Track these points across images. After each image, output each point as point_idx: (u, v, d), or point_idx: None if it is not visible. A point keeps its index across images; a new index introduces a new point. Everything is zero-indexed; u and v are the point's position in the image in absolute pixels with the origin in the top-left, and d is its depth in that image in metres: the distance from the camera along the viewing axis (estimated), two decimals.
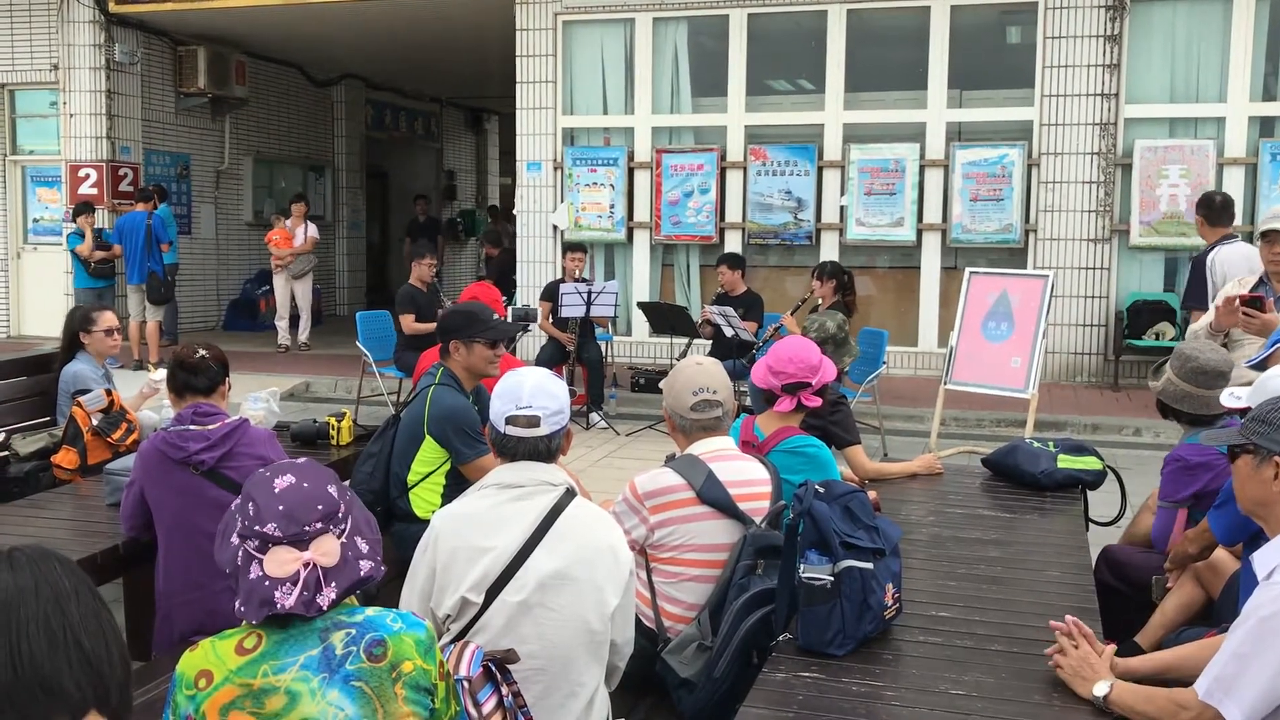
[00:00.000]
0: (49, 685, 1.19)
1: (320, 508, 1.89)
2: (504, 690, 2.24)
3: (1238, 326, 4.54)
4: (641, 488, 3.07)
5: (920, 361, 10.80)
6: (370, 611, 1.94)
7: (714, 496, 3.03)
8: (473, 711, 2.15)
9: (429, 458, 3.99)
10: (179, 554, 3.38)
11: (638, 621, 2.79)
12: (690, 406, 3.18)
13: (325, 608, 1.84)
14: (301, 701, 1.79)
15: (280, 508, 1.87)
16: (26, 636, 1.20)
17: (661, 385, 3.38)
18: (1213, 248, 5.99)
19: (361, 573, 1.90)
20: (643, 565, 3.06)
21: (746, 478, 3.14)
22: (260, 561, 1.86)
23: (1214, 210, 6.16)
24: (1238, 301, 4.47)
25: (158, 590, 3.47)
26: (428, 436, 3.96)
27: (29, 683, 1.18)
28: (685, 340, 9.29)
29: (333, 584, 1.86)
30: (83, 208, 11.72)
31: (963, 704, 2.36)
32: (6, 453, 4.59)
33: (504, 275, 12.97)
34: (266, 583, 1.83)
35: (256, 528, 1.87)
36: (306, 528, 1.87)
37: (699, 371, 3.23)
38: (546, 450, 2.60)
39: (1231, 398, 3.33)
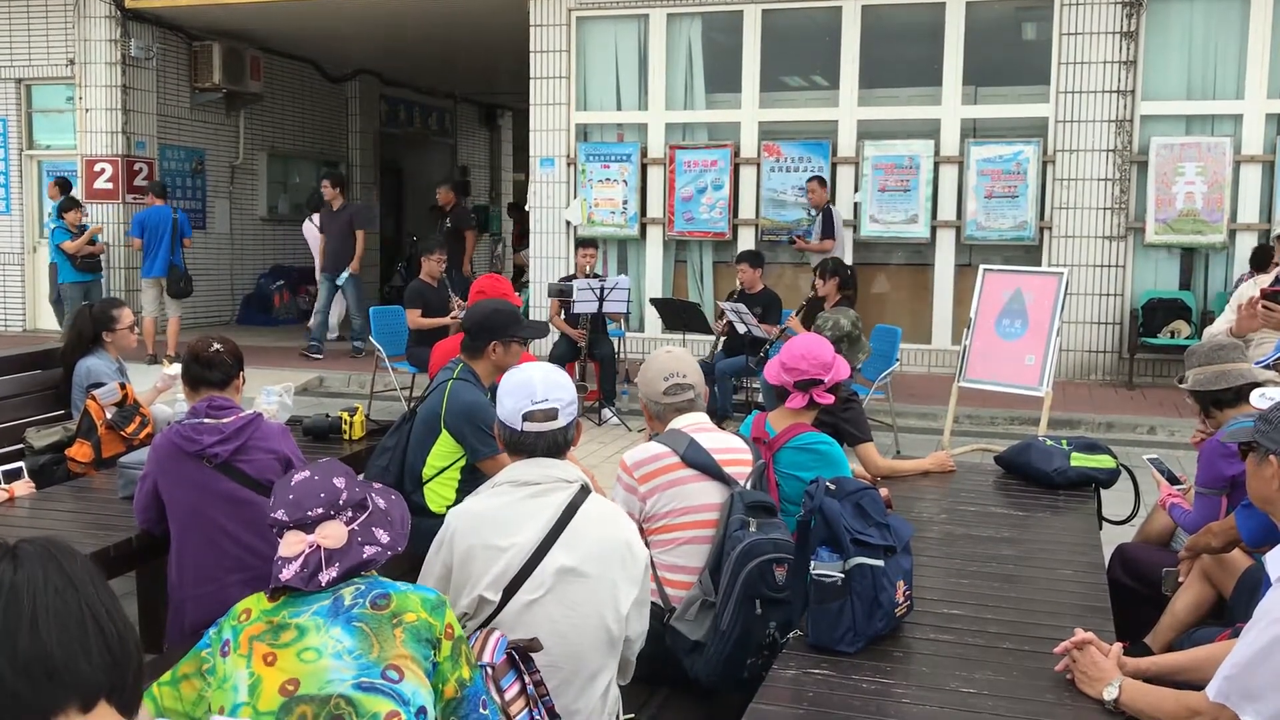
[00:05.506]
0: (56, 673, 1.20)
1: (322, 495, 2.12)
2: (526, 679, 2.32)
3: (1260, 329, 4.53)
4: (629, 460, 3.20)
5: (934, 359, 10.77)
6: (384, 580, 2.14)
7: (698, 460, 3.16)
8: (496, 697, 2.23)
9: (444, 452, 3.97)
10: (192, 547, 3.40)
11: None
12: (663, 391, 3.35)
13: (324, 585, 2.05)
14: (308, 634, 2.02)
15: (290, 497, 2.13)
16: (35, 624, 1.20)
17: (634, 379, 3.50)
18: (829, 203, 10.30)
19: (364, 556, 2.10)
20: None
21: (727, 445, 3.28)
22: (280, 543, 2.11)
23: (825, 184, 10.34)
24: (1259, 298, 4.45)
25: (170, 583, 3.49)
26: (444, 431, 3.96)
27: (34, 672, 1.19)
28: (698, 336, 9.28)
29: (335, 564, 2.07)
30: (70, 203, 11.60)
31: (973, 702, 2.35)
32: (21, 446, 4.62)
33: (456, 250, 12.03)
34: (279, 560, 2.08)
35: (272, 514, 2.13)
36: (308, 513, 2.10)
37: (670, 359, 3.42)
38: (564, 442, 2.62)
39: (1263, 399, 3.28)
